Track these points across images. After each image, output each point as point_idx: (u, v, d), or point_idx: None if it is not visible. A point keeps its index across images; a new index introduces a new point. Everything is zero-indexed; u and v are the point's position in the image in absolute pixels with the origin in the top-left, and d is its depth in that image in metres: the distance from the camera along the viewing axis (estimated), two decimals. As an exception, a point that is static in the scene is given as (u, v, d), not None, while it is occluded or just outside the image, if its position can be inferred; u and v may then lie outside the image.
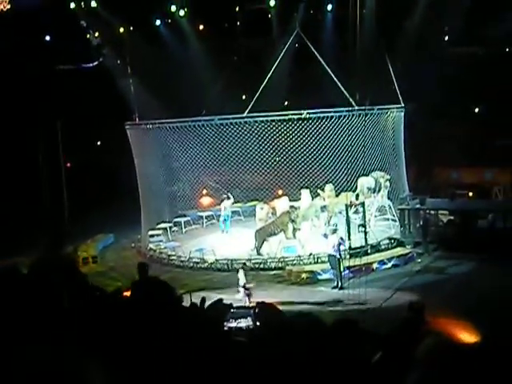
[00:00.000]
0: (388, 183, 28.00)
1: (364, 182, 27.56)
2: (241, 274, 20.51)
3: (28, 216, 30.25)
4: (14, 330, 4.83)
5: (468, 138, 35.13)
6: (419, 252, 25.04)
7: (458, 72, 34.06)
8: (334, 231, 22.28)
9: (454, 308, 17.91)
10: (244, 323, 7.38)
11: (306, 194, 27.47)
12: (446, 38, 35.72)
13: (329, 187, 27.56)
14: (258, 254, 25.43)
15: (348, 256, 23.22)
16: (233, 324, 7.31)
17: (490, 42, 34.96)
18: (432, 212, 27.02)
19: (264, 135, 27.74)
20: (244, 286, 20.00)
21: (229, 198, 29.68)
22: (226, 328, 6.66)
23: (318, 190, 27.81)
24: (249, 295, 19.57)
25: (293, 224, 25.68)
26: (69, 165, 37.82)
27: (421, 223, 26.27)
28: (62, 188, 35.59)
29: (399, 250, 25.12)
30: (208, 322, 6.02)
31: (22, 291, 6.24)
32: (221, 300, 6.08)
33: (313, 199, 27.65)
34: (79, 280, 7.71)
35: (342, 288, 21.20)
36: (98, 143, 43.01)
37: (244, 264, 22.78)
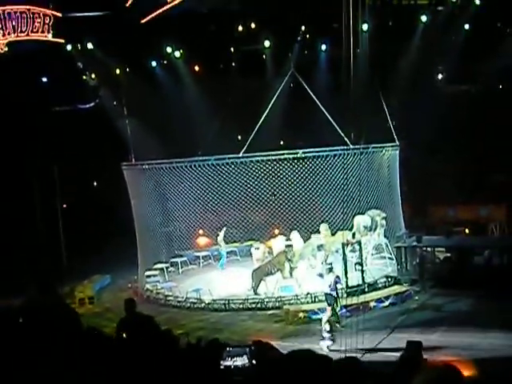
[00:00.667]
0: (384, 221, 27.99)
1: (360, 221, 27.54)
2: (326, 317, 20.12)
3: (25, 256, 30.26)
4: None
5: (463, 175, 35.27)
6: (416, 290, 24.98)
7: (451, 109, 34.35)
8: (330, 270, 22.18)
9: (452, 345, 17.89)
10: (240, 361, 7.35)
11: (296, 235, 27.44)
12: (440, 76, 36.05)
13: (323, 227, 27.56)
14: (255, 293, 25.36)
15: (345, 294, 23.16)
16: (229, 362, 7.28)
17: (482, 79, 35.27)
18: (428, 249, 26.99)
19: (260, 175, 27.82)
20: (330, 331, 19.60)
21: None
22: (222, 367, 6.67)
23: (312, 235, 27.82)
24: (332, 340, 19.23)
25: (289, 263, 25.67)
26: (65, 206, 37.86)
27: (417, 261, 26.24)
28: (58, 228, 35.64)
29: (396, 288, 25.02)
30: (205, 361, 6.02)
31: (15, 332, 6.24)
32: (217, 339, 6.10)
33: (305, 241, 27.66)
34: (72, 320, 7.71)
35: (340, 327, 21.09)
36: (95, 184, 43.07)
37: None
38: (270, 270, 25.63)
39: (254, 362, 6.69)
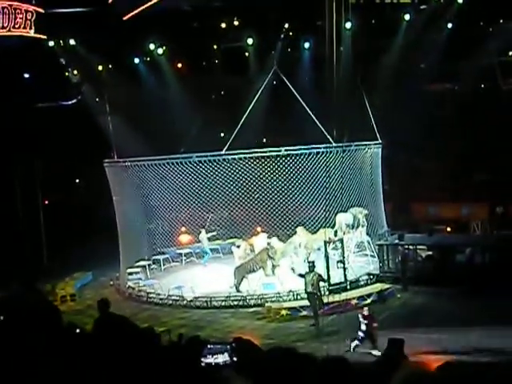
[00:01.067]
0: (364, 219, 28.08)
1: (342, 219, 27.61)
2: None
3: (7, 253, 30.09)
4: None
5: (445, 173, 35.44)
6: (398, 287, 25.05)
7: (434, 108, 34.49)
8: (312, 269, 22.01)
9: (433, 343, 17.95)
10: (221, 359, 7.34)
11: (275, 241, 27.33)
12: (423, 74, 36.09)
13: (300, 229, 27.59)
14: (238, 291, 25.35)
15: (327, 292, 23.21)
16: (210, 360, 7.27)
17: (465, 78, 35.43)
18: (411, 247, 27.05)
19: (242, 172, 27.79)
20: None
21: (207, 231, 30.05)
22: (203, 364, 6.66)
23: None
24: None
25: (272, 261, 25.67)
26: (47, 202, 37.69)
27: (399, 259, 26.30)
28: (40, 225, 35.47)
29: (378, 286, 25.07)
30: (186, 359, 6.00)
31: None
32: (198, 336, 6.09)
33: (287, 238, 27.67)
34: (53, 317, 7.66)
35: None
36: (77, 180, 42.90)
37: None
38: (253, 268, 25.63)
39: (235, 359, 6.69)
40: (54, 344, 6.37)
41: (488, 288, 22.59)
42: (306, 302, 22.69)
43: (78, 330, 8.34)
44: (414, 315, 21.99)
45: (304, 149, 27.21)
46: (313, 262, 22.64)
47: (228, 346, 7.25)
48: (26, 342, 6.41)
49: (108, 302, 11.64)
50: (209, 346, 7.24)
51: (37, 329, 6.96)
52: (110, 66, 34.37)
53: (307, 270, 22.07)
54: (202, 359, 6.65)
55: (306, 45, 33.44)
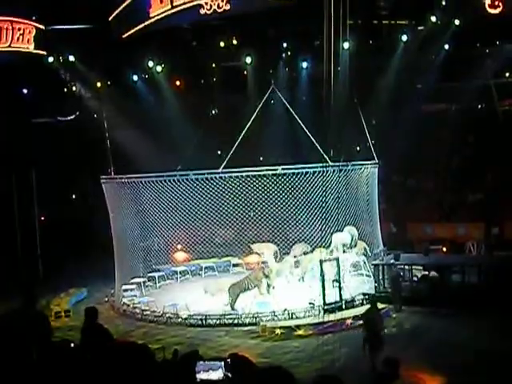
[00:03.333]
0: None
1: (339, 238, 27.60)
2: None
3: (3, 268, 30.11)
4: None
5: (441, 193, 35.53)
6: (393, 307, 24.98)
7: (430, 128, 34.62)
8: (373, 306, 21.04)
9: (428, 363, 17.93)
10: (215, 375, 7.34)
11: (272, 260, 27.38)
12: (420, 94, 36.25)
13: (299, 246, 27.75)
14: (232, 309, 25.29)
15: (322, 311, 23.18)
16: (204, 376, 7.26)
17: (461, 98, 35.64)
18: (406, 267, 27.00)
19: (239, 191, 27.82)
20: None
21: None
22: (198, 380, 6.66)
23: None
24: None
25: (267, 280, 25.63)
26: (43, 218, 37.69)
27: (391, 279, 26.20)
28: (35, 241, 35.44)
29: (373, 306, 25.00)
30: (181, 375, 6.01)
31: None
32: (195, 351, 6.11)
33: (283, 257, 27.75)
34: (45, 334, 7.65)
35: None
36: (73, 196, 42.91)
37: None
38: (247, 286, 25.57)
39: (229, 375, 6.69)
40: (45, 359, 6.38)
41: (483, 309, 22.56)
42: (300, 321, 22.71)
43: (72, 345, 8.32)
44: (409, 336, 21.93)
45: (300, 168, 27.23)
46: (372, 296, 21.80)
47: (222, 363, 7.25)
48: (16, 358, 6.41)
49: (94, 311, 11.58)
50: (203, 363, 7.23)
51: (28, 344, 6.96)
52: (109, 83, 34.51)
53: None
54: (197, 375, 6.65)
55: (304, 64, 33.62)
